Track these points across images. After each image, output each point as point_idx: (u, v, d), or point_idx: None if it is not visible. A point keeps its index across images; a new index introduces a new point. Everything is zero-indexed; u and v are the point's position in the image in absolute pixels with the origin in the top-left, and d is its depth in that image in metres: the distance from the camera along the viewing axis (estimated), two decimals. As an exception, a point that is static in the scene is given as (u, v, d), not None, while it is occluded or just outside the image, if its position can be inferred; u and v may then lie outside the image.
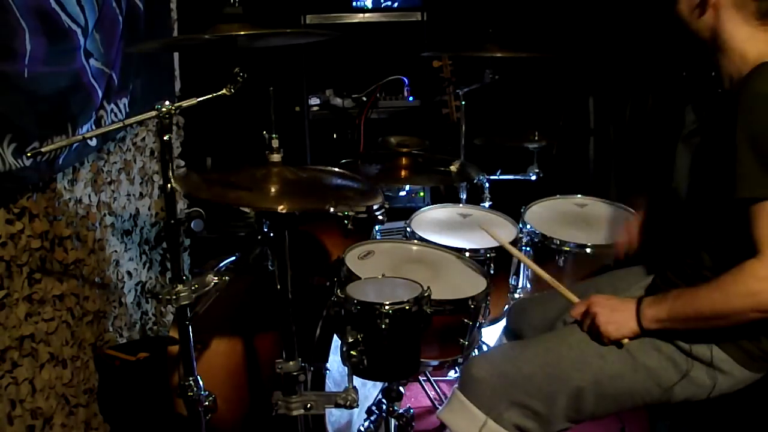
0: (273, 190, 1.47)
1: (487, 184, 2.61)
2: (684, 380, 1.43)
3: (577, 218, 2.32)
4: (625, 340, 1.46)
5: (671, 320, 1.40)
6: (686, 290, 1.40)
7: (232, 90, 1.43)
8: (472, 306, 1.75)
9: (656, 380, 1.45)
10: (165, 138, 1.38)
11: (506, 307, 2.19)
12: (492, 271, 2.03)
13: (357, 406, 1.55)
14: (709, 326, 1.37)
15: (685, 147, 1.56)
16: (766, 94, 1.29)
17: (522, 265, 2.26)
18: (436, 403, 2.32)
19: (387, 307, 1.56)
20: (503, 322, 2.00)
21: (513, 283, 2.29)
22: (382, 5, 3.34)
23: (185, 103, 1.42)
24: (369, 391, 2.10)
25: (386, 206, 2.31)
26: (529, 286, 2.27)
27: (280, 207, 1.38)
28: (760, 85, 1.31)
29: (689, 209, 1.51)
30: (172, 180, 1.39)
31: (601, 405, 1.50)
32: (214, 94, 1.44)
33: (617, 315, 1.47)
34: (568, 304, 1.63)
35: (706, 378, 1.43)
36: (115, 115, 2.19)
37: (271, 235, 1.52)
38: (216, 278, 1.52)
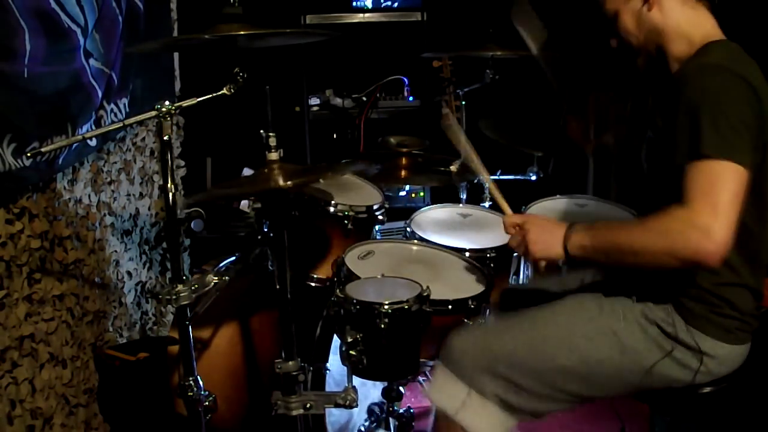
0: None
1: (487, 184, 2.60)
2: (667, 358, 1.44)
3: (576, 218, 2.31)
4: (557, 262, 1.50)
5: (594, 249, 1.40)
6: (614, 222, 1.44)
7: (232, 90, 1.44)
8: (472, 306, 1.75)
9: (643, 362, 1.45)
10: (165, 138, 1.38)
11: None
12: (492, 271, 2.03)
13: (357, 406, 1.55)
14: (628, 263, 1.35)
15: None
16: (708, 65, 1.36)
17: (522, 265, 2.26)
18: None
19: (387, 307, 1.56)
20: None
21: (513, 282, 2.29)
22: (382, 5, 3.34)
23: (185, 103, 1.42)
24: (369, 391, 2.10)
25: (386, 206, 2.32)
26: (522, 281, 2.27)
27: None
28: (703, 59, 1.38)
29: (649, 185, 1.53)
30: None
31: (587, 386, 1.50)
32: (214, 94, 1.44)
33: (546, 236, 1.47)
34: (558, 291, 1.64)
35: (692, 360, 1.44)
36: (115, 115, 2.19)
37: (271, 235, 1.52)
38: (216, 278, 1.52)
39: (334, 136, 3.36)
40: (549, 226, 1.49)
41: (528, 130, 2.78)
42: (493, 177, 2.64)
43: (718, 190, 1.25)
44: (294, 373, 1.52)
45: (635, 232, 1.35)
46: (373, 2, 3.34)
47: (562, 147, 3.00)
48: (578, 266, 1.74)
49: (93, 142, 2.10)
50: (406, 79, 3.33)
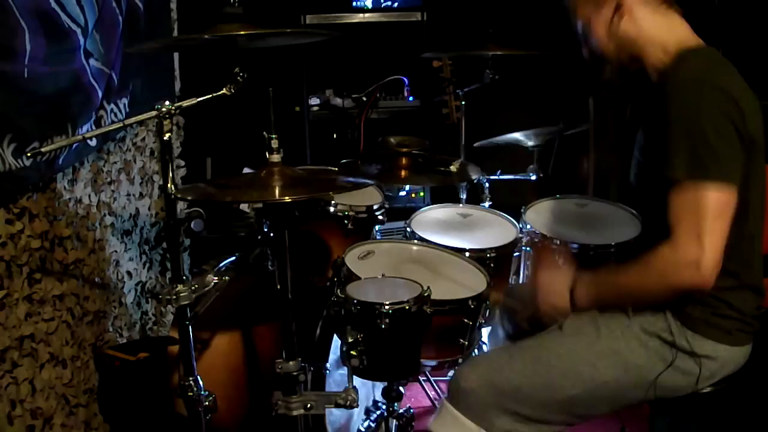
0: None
1: (487, 184, 2.61)
2: (670, 369, 1.45)
3: (577, 218, 2.31)
4: (562, 318, 1.53)
5: (599, 301, 1.49)
6: (609, 275, 1.48)
7: (232, 90, 1.43)
8: (472, 306, 1.75)
9: (647, 375, 1.46)
10: (165, 138, 1.38)
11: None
12: (492, 271, 2.03)
13: (357, 406, 1.55)
14: (635, 304, 1.46)
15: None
16: (686, 80, 1.37)
17: (522, 265, 2.26)
18: (436, 403, 2.32)
19: (387, 307, 1.56)
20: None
21: (513, 283, 2.28)
22: (382, 5, 3.34)
23: (185, 103, 1.42)
24: (369, 391, 2.10)
25: (386, 206, 2.32)
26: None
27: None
28: (682, 72, 1.39)
29: (637, 196, 1.58)
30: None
31: (595, 408, 1.52)
32: (214, 94, 1.44)
33: (553, 299, 1.53)
34: None
35: (693, 365, 1.44)
36: (115, 115, 2.19)
37: (271, 235, 1.52)
38: (216, 278, 1.52)
39: (334, 136, 3.36)
40: (552, 286, 1.54)
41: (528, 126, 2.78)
42: (493, 177, 2.65)
43: (700, 219, 1.30)
44: (294, 373, 1.52)
45: (632, 278, 1.42)
46: (373, 2, 3.34)
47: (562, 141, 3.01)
48: None
49: (93, 142, 2.10)
50: (406, 79, 3.33)
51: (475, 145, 2.73)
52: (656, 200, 1.42)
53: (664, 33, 1.46)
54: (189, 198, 1.47)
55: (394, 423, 1.87)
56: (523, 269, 2.29)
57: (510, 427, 1.50)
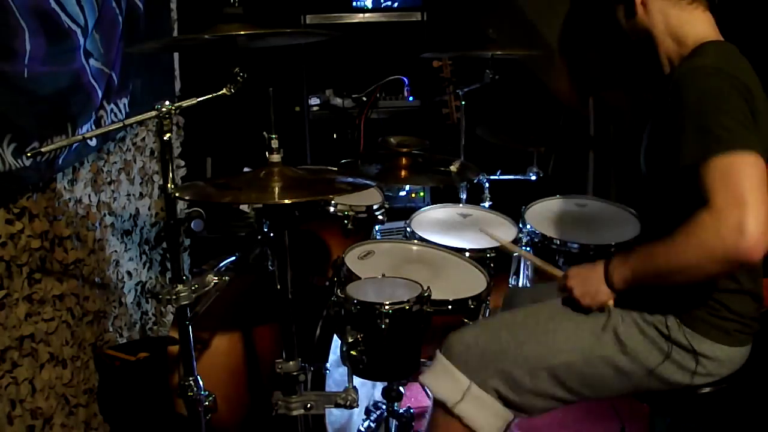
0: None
1: (487, 184, 2.61)
2: (667, 361, 1.44)
3: (577, 218, 2.32)
4: (610, 303, 1.47)
5: (637, 279, 1.40)
6: (646, 248, 1.38)
7: (232, 90, 1.43)
8: (472, 306, 1.75)
9: (642, 363, 1.46)
10: (165, 138, 1.38)
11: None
12: (492, 271, 2.03)
13: (357, 406, 1.55)
14: (674, 282, 1.35)
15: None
16: (702, 66, 1.35)
17: (522, 265, 2.26)
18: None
19: (387, 307, 1.57)
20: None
21: (513, 283, 2.29)
22: (382, 5, 3.34)
23: (185, 103, 1.42)
24: (369, 391, 2.10)
25: (386, 206, 2.32)
26: (529, 285, 2.27)
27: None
28: (697, 61, 1.38)
29: (648, 184, 1.54)
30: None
31: (588, 385, 1.51)
32: (214, 94, 1.44)
33: (589, 286, 1.48)
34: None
35: (690, 362, 1.44)
36: (115, 115, 2.19)
37: (271, 235, 1.52)
38: (216, 278, 1.52)
39: (334, 136, 3.36)
40: (587, 274, 1.50)
41: (527, 128, 2.78)
42: (493, 177, 2.65)
43: (739, 182, 1.22)
44: (294, 373, 1.52)
45: (671, 251, 1.31)
46: (373, 2, 3.34)
47: (562, 143, 3.01)
48: None
49: (93, 142, 2.10)
50: (406, 79, 3.33)
51: (477, 131, 2.72)
52: (665, 188, 1.41)
53: (681, 27, 1.46)
54: (188, 198, 1.47)
55: (394, 423, 1.87)
56: (523, 269, 2.29)
57: (501, 389, 1.50)
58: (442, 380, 1.53)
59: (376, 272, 1.76)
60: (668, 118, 1.35)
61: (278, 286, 1.51)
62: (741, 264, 1.24)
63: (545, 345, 1.49)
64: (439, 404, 1.55)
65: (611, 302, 1.48)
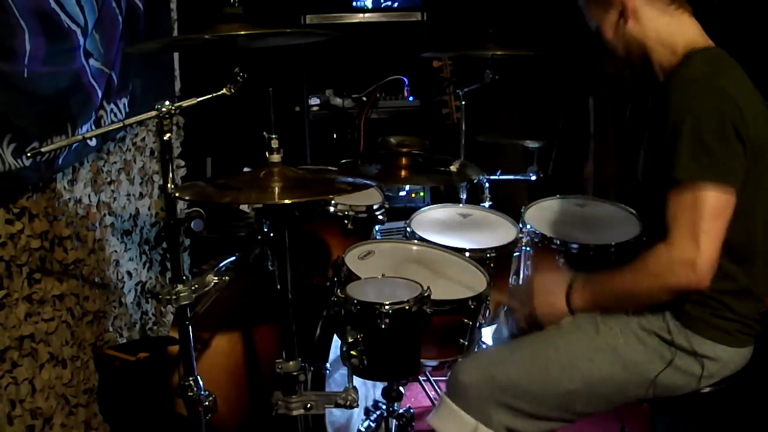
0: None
1: (487, 184, 2.61)
2: (669, 368, 1.45)
3: (577, 218, 2.31)
4: (561, 320, 1.53)
5: (595, 302, 1.49)
6: (606, 277, 1.48)
7: (232, 90, 1.43)
8: (472, 306, 1.75)
9: (645, 374, 1.46)
10: (165, 138, 1.38)
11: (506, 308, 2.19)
12: (492, 271, 2.03)
13: (357, 406, 1.55)
14: (628, 306, 1.46)
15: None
16: (689, 79, 1.38)
17: (522, 265, 2.26)
18: (436, 403, 2.31)
19: (387, 307, 1.56)
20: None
21: (513, 283, 2.28)
22: (382, 5, 3.34)
23: (185, 103, 1.42)
24: (369, 391, 2.10)
25: (386, 206, 2.32)
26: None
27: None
28: (686, 71, 1.40)
29: (645, 193, 1.56)
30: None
31: (593, 405, 1.52)
32: (214, 94, 1.44)
33: (549, 301, 1.55)
34: None
35: (694, 365, 1.44)
36: (115, 115, 2.19)
37: (271, 235, 1.52)
38: (216, 278, 1.52)
39: (334, 136, 3.36)
40: (550, 287, 1.55)
41: (528, 126, 2.78)
42: (493, 177, 2.65)
43: (698, 221, 1.31)
44: (295, 373, 1.52)
45: (628, 278, 1.42)
46: (373, 2, 3.34)
47: (563, 138, 3.01)
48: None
49: (93, 142, 2.10)
50: (406, 79, 3.33)
51: (478, 138, 2.72)
52: (660, 197, 1.42)
53: (672, 34, 1.46)
54: (188, 198, 1.47)
55: (394, 423, 1.87)
56: (523, 269, 2.29)
57: (508, 422, 1.50)
58: (449, 422, 1.54)
59: (376, 272, 1.76)
60: (659, 130, 1.38)
61: (278, 286, 1.51)
62: (688, 293, 1.38)
63: (543, 378, 1.50)
64: None
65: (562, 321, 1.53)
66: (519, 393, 1.49)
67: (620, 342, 1.47)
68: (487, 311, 1.85)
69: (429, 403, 2.40)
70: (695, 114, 1.32)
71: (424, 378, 2.48)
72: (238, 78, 1.43)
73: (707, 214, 1.31)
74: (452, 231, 2.22)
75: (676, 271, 1.33)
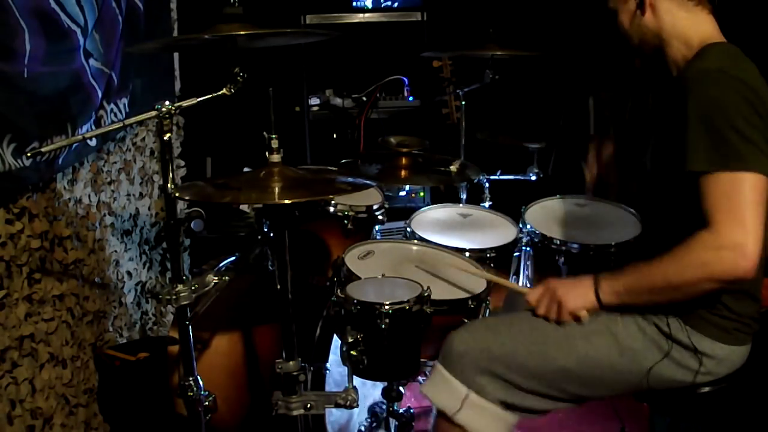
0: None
1: (487, 184, 2.60)
2: (666, 360, 1.44)
3: (577, 218, 2.31)
4: (584, 313, 1.48)
5: (628, 293, 1.42)
6: (642, 263, 1.41)
7: (232, 90, 1.43)
8: (472, 306, 1.75)
9: (641, 362, 1.46)
10: (165, 138, 1.38)
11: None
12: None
13: (357, 406, 1.55)
14: (667, 299, 1.39)
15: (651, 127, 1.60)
16: (708, 70, 1.35)
17: (522, 265, 2.26)
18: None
19: (387, 307, 1.56)
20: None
21: (513, 283, 2.28)
22: (382, 5, 3.34)
23: (185, 103, 1.42)
24: (369, 391, 2.10)
25: (386, 206, 2.32)
26: (528, 285, 2.27)
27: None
28: (703, 63, 1.38)
29: (653, 184, 1.54)
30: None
31: (587, 387, 1.51)
32: (214, 94, 1.44)
33: (577, 289, 1.49)
34: None
35: (691, 359, 1.44)
36: (115, 115, 2.19)
37: (271, 235, 1.52)
38: (216, 278, 1.52)
39: (334, 136, 3.36)
40: (574, 281, 1.51)
41: (528, 126, 2.78)
42: (493, 177, 2.65)
43: (741, 205, 1.26)
44: (295, 373, 1.52)
45: (669, 268, 1.35)
46: (373, 2, 3.34)
47: (562, 140, 3.01)
48: None
49: (93, 142, 2.10)
50: (406, 79, 3.33)
51: (477, 135, 2.72)
52: (670, 189, 1.42)
53: (687, 29, 1.46)
54: (188, 198, 1.47)
55: (394, 423, 1.87)
56: (524, 269, 2.29)
57: (501, 393, 1.50)
58: (441, 390, 1.54)
59: (376, 272, 1.76)
60: (676, 122, 1.35)
61: (278, 286, 1.51)
62: (736, 283, 1.31)
63: (538, 352, 1.49)
64: (441, 414, 1.55)
65: (586, 314, 1.48)
66: (514, 365, 1.49)
67: (620, 327, 1.47)
68: (487, 311, 1.85)
69: (429, 403, 2.39)
70: (725, 102, 1.30)
71: (424, 378, 2.47)
72: (238, 78, 1.43)
73: (749, 200, 1.26)
74: (452, 231, 2.22)
75: (725, 257, 1.26)
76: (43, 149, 1.38)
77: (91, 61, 1.97)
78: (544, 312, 1.53)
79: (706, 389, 1.48)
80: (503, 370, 1.50)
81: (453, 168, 2.22)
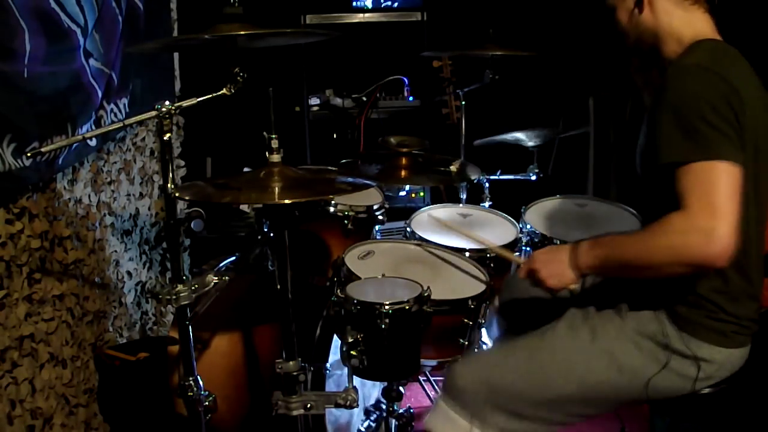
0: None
1: (487, 184, 2.61)
2: (665, 371, 1.44)
3: (577, 218, 2.31)
4: (573, 286, 1.49)
5: (603, 267, 1.42)
6: (617, 238, 1.41)
7: (232, 90, 1.43)
8: (472, 306, 1.75)
9: (641, 377, 1.46)
10: (165, 138, 1.38)
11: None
12: (492, 271, 2.03)
13: (357, 406, 1.55)
14: (640, 275, 1.38)
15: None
16: (686, 65, 1.36)
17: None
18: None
19: (387, 307, 1.56)
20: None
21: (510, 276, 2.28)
22: (382, 5, 3.34)
23: (185, 103, 1.42)
24: (369, 391, 2.10)
25: (386, 206, 2.32)
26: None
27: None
28: (685, 59, 1.38)
29: (643, 183, 1.53)
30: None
31: (589, 408, 1.52)
32: (214, 94, 1.44)
33: (554, 267, 1.48)
34: (551, 298, 1.64)
35: (690, 368, 1.43)
36: (115, 115, 2.19)
37: (271, 235, 1.52)
38: (216, 278, 1.52)
39: (334, 136, 3.36)
40: (552, 257, 1.50)
41: (528, 126, 2.78)
42: (493, 177, 2.65)
43: (713, 191, 1.25)
44: (295, 373, 1.52)
45: (639, 245, 1.34)
46: (373, 2, 3.34)
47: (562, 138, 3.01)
48: None
49: (93, 142, 2.10)
50: (406, 79, 3.33)
51: (475, 143, 2.73)
52: (657, 187, 1.41)
53: (682, 26, 1.46)
54: (188, 198, 1.47)
55: (394, 423, 1.87)
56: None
57: (504, 424, 1.50)
58: (445, 424, 1.54)
59: (376, 272, 1.76)
60: (652, 118, 1.36)
61: (278, 286, 1.51)
62: (706, 269, 1.29)
63: (539, 380, 1.49)
64: None
65: (574, 286, 1.49)
66: (515, 396, 1.49)
67: (616, 346, 1.47)
68: (488, 311, 1.85)
69: (429, 403, 2.39)
70: (698, 94, 1.30)
71: (424, 378, 2.48)
72: (238, 78, 1.43)
73: (723, 186, 1.25)
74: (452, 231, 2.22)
75: (691, 239, 1.25)
76: (43, 149, 1.38)
77: (91, 61, 1.97)
78: (534, 286, 1.55)
79: (706, 390, 1.48)
80: (505, 401, 1.50)
81: (453, 168, 2.22)
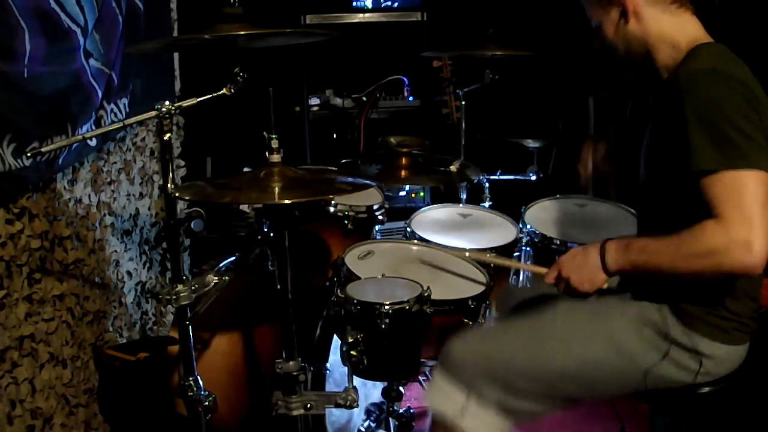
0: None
1: (487, 184, 2.61)
2: (665, 361, 1.44)
3: (577, 218, 2.32)
4: (605, 285, 1.48)
5: (633, 271, 1.43)
6: (649, 243, 1.40)
7: (232, 90, 1.44)
8: (472, 306, 1.75)
9: (639, 364, 1.46)
10: (165, 138, 1.38)
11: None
12: (492, 271, 2.03)
13: (357, 406, 1.55)
14: (671, 278, 1.39)
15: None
16: (702, 71, 1.35)
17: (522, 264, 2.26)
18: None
19: (387, 307, 1.57)
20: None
21: (513, 283, 2.28)
22: (382, 5, 3.34)
23: (185, 103, 1.42)
24: (369, 391, 2.10)
25: (386, 206, 2.32)
26: (528, 285, 2.27)
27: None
28: (695, 64, 1.38)
29: (647, 186, 1.54)
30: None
31: (585, 389, 1.51)
32: (214, 94, 1.44)
33: (586, 272, 1.48)
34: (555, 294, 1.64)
35: (689, 360, 1.44)
36: (115, 115, 2.19)
37: (271, 235, 1.52)
38: (216, 278, 1.53)
39: (334, 136, 3.36)
40: (582, 262, 1.49)
41: (527, 126, 2.78)
42: (493, 177, 2.65)
43: (748, 203, 1.26)
44: (294, 373, 1.52)
45: (676, 254, 1.34)
46: (373, 2, 3.34)
47: (562, 140, 3.01)
48: None
49: (93, 142, 2.10)
50: (406, 79, 3.33)
51: (477, 136, 2.72)
52: (665, 192, 1.42)
53: (674, 31, 1.46)
54: (188, 198, 1.47)
55: (394, 423, 1.87)
56: (523, 270, 2.29)
57: (500, 398, 1.50)
58: (441, 396, 1.54)
59: (376, 272, 1.76)
60: (672, 124, 1.35)
61: (278, 286, 1.51)
62: (741, 276, 1.33)
63: (538, 354, 1.50)
64: (439, 419, 1.55)
65: (606, 285, 1.48)
66: (512, 370, 1.49)
67: (616, 328, 1.47)
68: (487, 311, 1.85)
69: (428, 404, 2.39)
70: (723, 102, 1.30)
71: (424, 378, 2.47)
72: (238, 78, 1.43)
73: (755, 199, 1.26)
74: (452, 231, 2.22)
75: (732, 252, 1.26)
76: (43, 149, 1.38)
77: (91, 61, 1.97)
78: (563, 292, 1.53)
79: (706, 389, 1.48)
80: (503, 373, 1.50)
81: (453, 168, 2.22)
